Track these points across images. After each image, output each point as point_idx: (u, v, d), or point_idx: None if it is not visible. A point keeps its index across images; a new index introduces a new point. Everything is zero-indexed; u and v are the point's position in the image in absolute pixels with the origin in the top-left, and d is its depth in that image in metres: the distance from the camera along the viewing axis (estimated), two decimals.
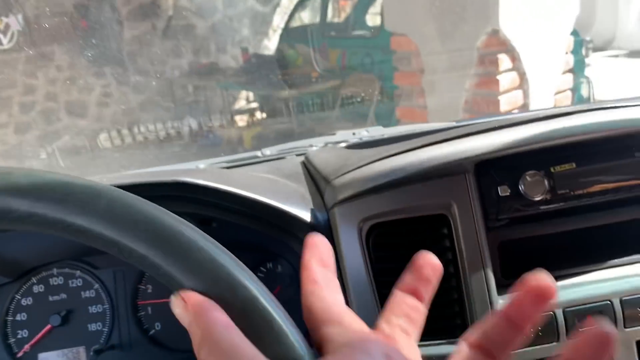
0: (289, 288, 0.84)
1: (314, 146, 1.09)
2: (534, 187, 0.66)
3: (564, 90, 3.02)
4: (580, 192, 0.68)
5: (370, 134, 1.15)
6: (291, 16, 5.24)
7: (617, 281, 0.67)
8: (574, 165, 0.67)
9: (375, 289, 0.67)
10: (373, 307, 0.67)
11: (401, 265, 0.67)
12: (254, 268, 0.85)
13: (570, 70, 3.05)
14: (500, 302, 0.66)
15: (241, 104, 5.38)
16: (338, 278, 0.70)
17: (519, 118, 0.70)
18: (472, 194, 0.67)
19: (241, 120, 5.05)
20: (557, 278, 0.69)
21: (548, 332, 0.65)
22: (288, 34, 5.17)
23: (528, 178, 0.66)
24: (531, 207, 0.67)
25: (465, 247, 0.66)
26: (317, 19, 5.11)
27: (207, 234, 0.77)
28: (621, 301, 0.66)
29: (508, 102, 2.69)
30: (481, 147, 0.64)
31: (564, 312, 0.65)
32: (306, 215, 0.71)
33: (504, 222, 0.68)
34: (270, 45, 5.64)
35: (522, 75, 2.73)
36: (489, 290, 0.65)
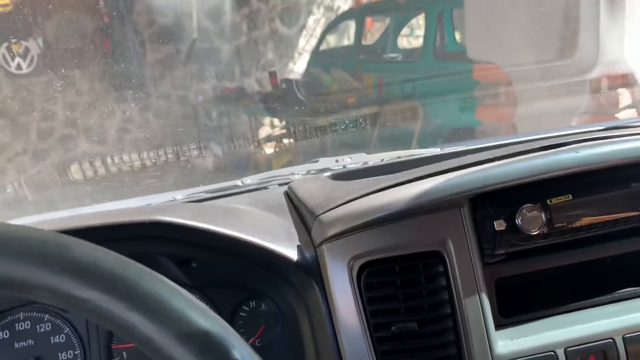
0: (274, 328, 0.80)
1: (296, 174, 1.06)
2: (531, 221, 0.64)
3: None
4: (577, 224, 0.65)
5: (354, 160, 1.11)
6: (322, 39, 5.00)
7: (619, 317, 0.64)
8: (570, 197, 0.65)
9: (368, 332, 0.63)
10: (366, 352, 0.63)
11: (396, 305, 0.64)
12: (236, 307, 0.80)
13: None
14: (500, 343, 0.62)
15: (270, 130, 5.21)
16: (328, 319, 0.66)
17: (513, 149, 0.67)
18: (468, 229, 0.64)
19: (270, 147, 4.91)
20: (556, 315, 0.66)
21: None
22: (318, 57, 4.91)
23: (525, 212, 0.64)
24: (528, 242, 0.65)
25: (462, 286, 0.63)
26: (346, 42, 4.89)
27: (186, 274, 0.72)
28: (624, 339, 0.63)
29: None
30: (477, 180, 0.61)
31: (565, 351, 0.62)
32: (292, 254, 0.67)
33: (500, 257, 0.65)
34: (296, 69, 5.49)
35: None
36: (487, 332, 0.62)
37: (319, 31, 5.34)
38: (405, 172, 0.71)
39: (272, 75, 5.00)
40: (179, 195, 1.02)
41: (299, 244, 0.70)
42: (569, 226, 0.65)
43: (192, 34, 5.01)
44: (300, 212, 0.78)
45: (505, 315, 0.66)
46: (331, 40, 5.24)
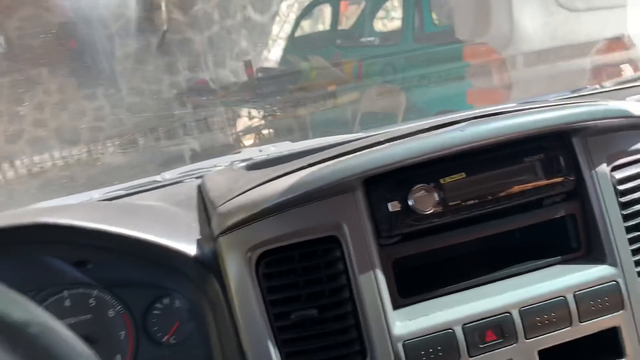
0: (188, 324, 0.78)
1: (219, 166, 1.04)
2: (423, 200, 0.64)
3: None
4: (472, 202, 0.66)
5: (278, 149, 1.10)
6: (297, 25, 4.77)
7: (515, 291, 0.65)
8: (463, 175, 0.65)
9: (268, 322, 0.63)
10: (268, 342, 0.62)
11: (296, 293, 0.64)
12: (149, 305, 0.79)
13: None
14: (398, 324, 0.62)
15: (247, 122, 5.03)
16: (229, 313, 0.65)
17: (405, 130, 0.67)
18: (362, 212, 0.63)
19: (248, 140, 4.74)
20: (456, 292, 0.67)
21: (448, 350, 0.62)
22: (294, 44, 4.69)
23: (416, 192, 0.64)
24: (423, 221, 0.65)
25: (358, 269, 0.62)
26: (321, 27, 4.73)
27: (86, 274, 0.70)
28: (520, 312, 0.64)
29: None
30: (364, 163, 0.61)
31: (463, 328, 0.63)
32: (190, 249, 0.66)
33: (396, 238, 0.65)
34: (271, 56, 5.19)
35: None
36: (385, 313, 0.62)
37: (293, 17, 5.16)
38: (303, 159, 0.70)
39: (248, 65, 4.78)
40: (97, 194, 0.99)
41: (199, 237, 0.69)
42: (464, 204, 0.66)
43: (162, 25, 4.82)
44: (205, 205, 0.77)
45: (406, 296, 0.66)
46: (306, 25, 5.06)
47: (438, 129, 0.66)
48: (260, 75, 4.77)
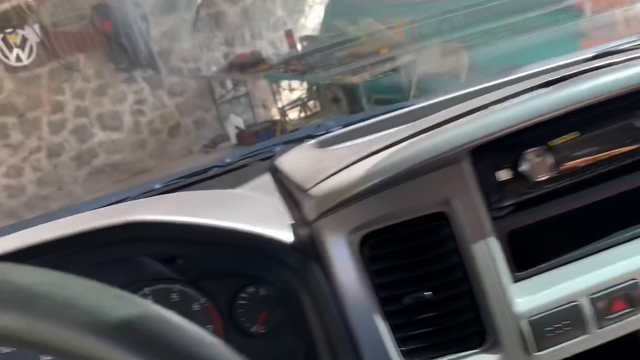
0: (276, 312, 0.75)
1: (277, 146, 1.00)
2: (536, 165, 0.59)
3: None
4: (587, 163, 0.60)
5: (338, 123, 1.05)
6: None
7: (638, 256, 0.60)
8: (578, 134, 0.60)
9: (377, 308, 0.59)
10: (380, 328, 0.59)
11: (405, 275, 0.60)
12: (233, 295, 0.75)
13: None
14: (519, 300, 0.58)
15: (294, 95, 4.67)
16: (333, 299, 0.61)
17: (507, 92, 0.62)
18: (471, 184, 0.58)
19: (294, 113, 4.41)
20: (575, 262, 0.62)
21: (575, 323, 0.58)
22: (335, 8, 4.28)
23: (529, 157, 0.59)
24: (536, 188, 0.60)
25: (472, 246, 0.58)
26: None
27: (174, 270, 0.67)
28: None
29: None
30: (476, 130, 0.55)
31: (590, 299, 0.58)
32: (285, 236, 0.62)
33: (508, 209, 0.60)
34: (309, 23, 4.97)
35: None
36: (504, 290, 0.58)
37: None
38: (396, 129, 0.65)
39: (288, 34, 4.55)
40: (158, 184, 0.96)
41: (292, 222, 0.64)
42: (578, 166, 0.60)
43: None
44: (287, 188, 0.73)
45: (521, 269, 0.61)
46: None
47: (544, 87, 0.60)
48: (304, 44, 4.52)
